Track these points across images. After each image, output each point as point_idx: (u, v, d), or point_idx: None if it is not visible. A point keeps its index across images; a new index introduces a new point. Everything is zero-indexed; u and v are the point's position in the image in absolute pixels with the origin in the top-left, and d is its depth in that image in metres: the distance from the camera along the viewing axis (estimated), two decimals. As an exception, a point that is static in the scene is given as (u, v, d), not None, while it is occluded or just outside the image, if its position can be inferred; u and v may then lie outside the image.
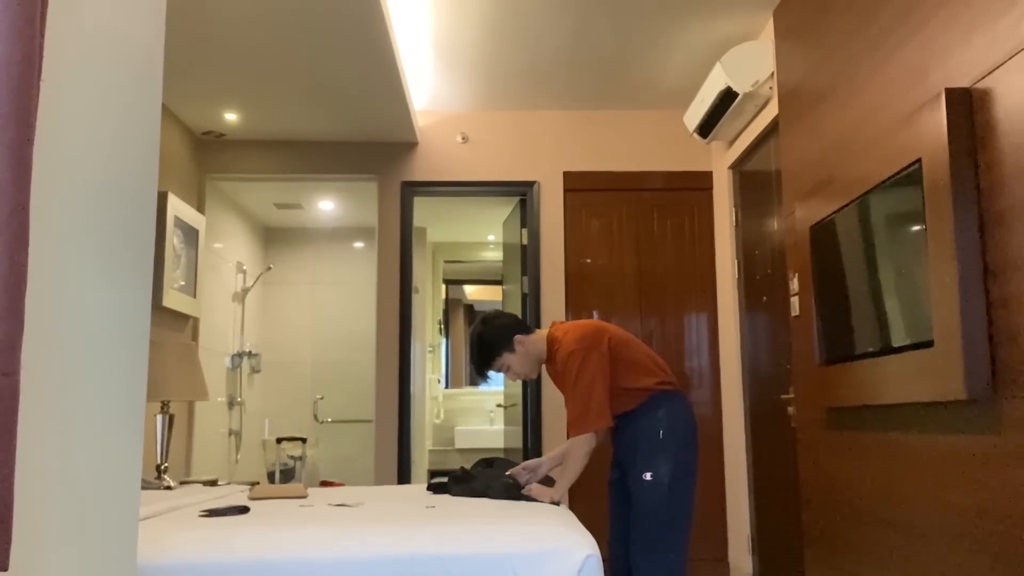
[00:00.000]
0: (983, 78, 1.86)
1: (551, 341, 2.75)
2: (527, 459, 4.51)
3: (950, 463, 1.99)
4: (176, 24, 3.23)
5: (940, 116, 1.93)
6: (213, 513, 2.23)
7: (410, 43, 3.83)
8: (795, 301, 2.94)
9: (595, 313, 4.56)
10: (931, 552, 2.07)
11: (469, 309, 7.00)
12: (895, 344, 2.18)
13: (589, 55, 3.98)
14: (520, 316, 4.71)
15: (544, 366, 2.85)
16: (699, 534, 4.37)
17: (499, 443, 6.15)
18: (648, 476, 2.60)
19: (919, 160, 2.03)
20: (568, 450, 2.64)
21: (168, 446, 3.38)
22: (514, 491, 2.62)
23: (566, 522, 2.10)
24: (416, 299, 5.05)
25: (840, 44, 2.63)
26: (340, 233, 6.13)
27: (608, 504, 2.84)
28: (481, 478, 2.73)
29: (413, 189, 4.66)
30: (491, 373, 2.91)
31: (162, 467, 3.32)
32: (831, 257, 2.59)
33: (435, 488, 2.80)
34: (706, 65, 4.08)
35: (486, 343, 2.76)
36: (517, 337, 2.76)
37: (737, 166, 4.28)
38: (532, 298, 4.56)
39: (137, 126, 1.19)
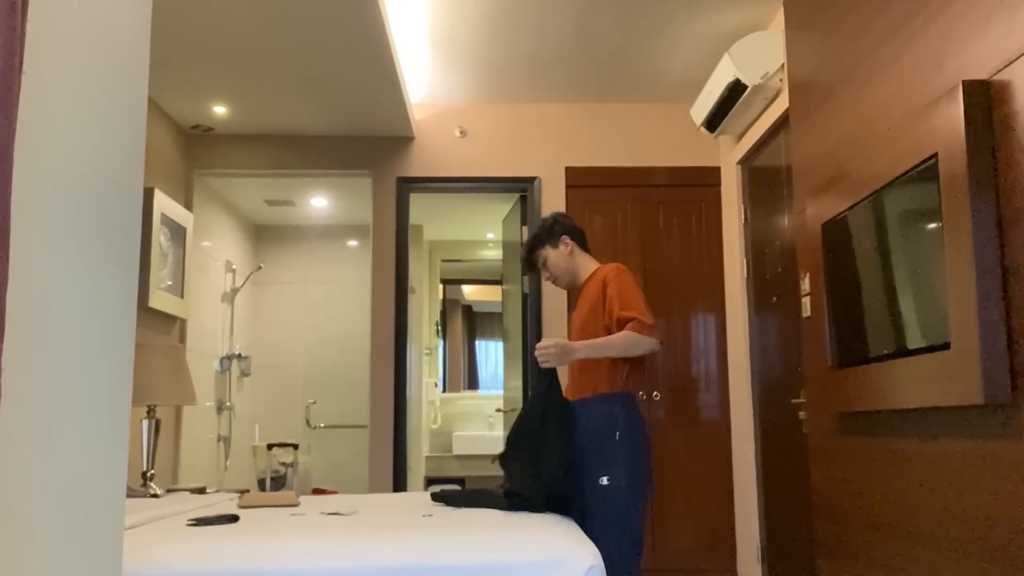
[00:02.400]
0: (1002, 70, 1.86)
1: (598, 269, 2.90)
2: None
3: (967, 470, 1.99)
4: (163, 14, 3.23)
5: (957, 109, 1.93)
6: (201, 522, 2.23)
7: (406, 33, 3.83)
8: (806, 302, 2.94)
9: (598, 314, 4.56)
10: (946, 562, 2.07)
11: (467, 310, 7.00)
12: (910, 346, 2.18)
13: (592, 45, 3.98)
14: (520, 318, 4.72)
15: (579, 294, 2.95)
16: (707, 544, 4.37)
17: (498, 449, 6.14)
18: (604, 480, 2.60)
19: (935, 155, 2.03)
20: (628, 336, 2.62)
21: (154, 452, 3.38)
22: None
23: (567, 532, 2.10)
24: (412, 299, 5.05)
25: (853, 34, 2.63)
26: (333, 231, 6.13)
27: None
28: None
29: (409, 185, 4.66)
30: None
31: (148, 474, 3.32)
32: (844, 256, 2.59)
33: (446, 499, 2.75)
34: (714, 56, 4.08)
35: (541, 230, 2.97)
36: (565, 238, 2.95)
37: (746, 161, 4.28)
38: (533, 298, 4.56)
39: (122, 120, 1.19)
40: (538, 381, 2.68)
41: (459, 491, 2.77)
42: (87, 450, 1.07)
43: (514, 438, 2.66)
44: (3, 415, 0.87)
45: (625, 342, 2.62)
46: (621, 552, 2.56)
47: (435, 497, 2.75)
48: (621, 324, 2.66)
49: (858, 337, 2.49)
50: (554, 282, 2.99)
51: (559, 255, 2.93)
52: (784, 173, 3.70)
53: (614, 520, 2.58)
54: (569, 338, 2.98)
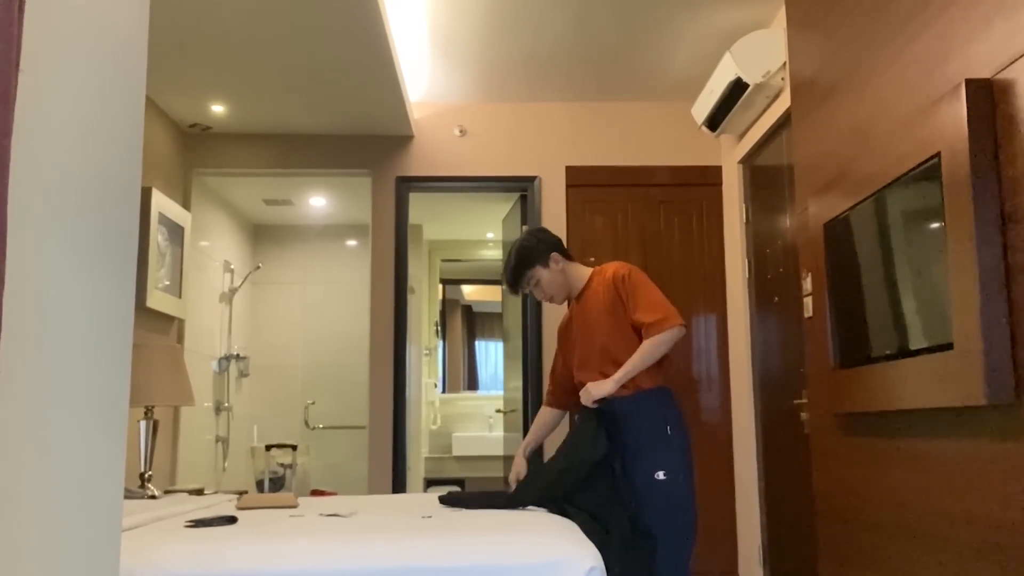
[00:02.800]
0: (1005, 68, 1.86)
1: (597, 271, 2.87)
2: (529, 467, 4.51)
3: (970, 472, 1.99)
4: (161, 11, 3.23)
5: (960, 108, 1.93)
6: (199, 524, 2.22)
7: (405, 31, 3.83)
8: (808, 302, 2.94)
9: (599, 314, 4.56)
10: (950, 563, 2.07)
11: (467, 310, 7.00)
12: (913, 347, 2.18)
13: (593, 44, 3.98)
14: (521, 318, 4.71)
15: (571, 305, 2.93)
16: (708, 545, 4.37)
17: (498, 450, 6.15)
18: (661, 475, 2.61)
19: (938, 154, 2.03)
20: (652, 342, 2.65)
21: (152, 454, 3.38)
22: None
23: (568, 533, 2.10)
24: (412, 300, 5.05)
25: (855, 33, 2.63)
26: (332, 230, 6.13)
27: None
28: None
29: (408, 184, 4.66)
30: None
31: (146, 475, 3.32)
32: (846, 256, 2.59)
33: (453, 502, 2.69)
34: (715, 55, 4.08)
35: (526, 251, 2.89)
36: (554, 255, 2.89)
37: (747, 160, 4.28)
38: (533, 298, 4.56)
39: (120, 118, 1.19)
40: (586, 425, 2.64)
41: (467, 493, 2.75)
42: (84, 451, 1.07)
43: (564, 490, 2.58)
44: (0, 416, 0.87)
45: (648, 353, 2.64)
46: (681, 543, 2.60)
47: (443, 500, 2.71)
48: (638, 331, 2.69)
49: (860, 337, 2.49)
50: (547, 300, 2.95)
51: (552, 274, 2.89)
52: (786, 172, 3.70)
53: (675, 513, 2.60)
54: (579, 347, 2.91)
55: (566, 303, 3.03)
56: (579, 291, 2.91)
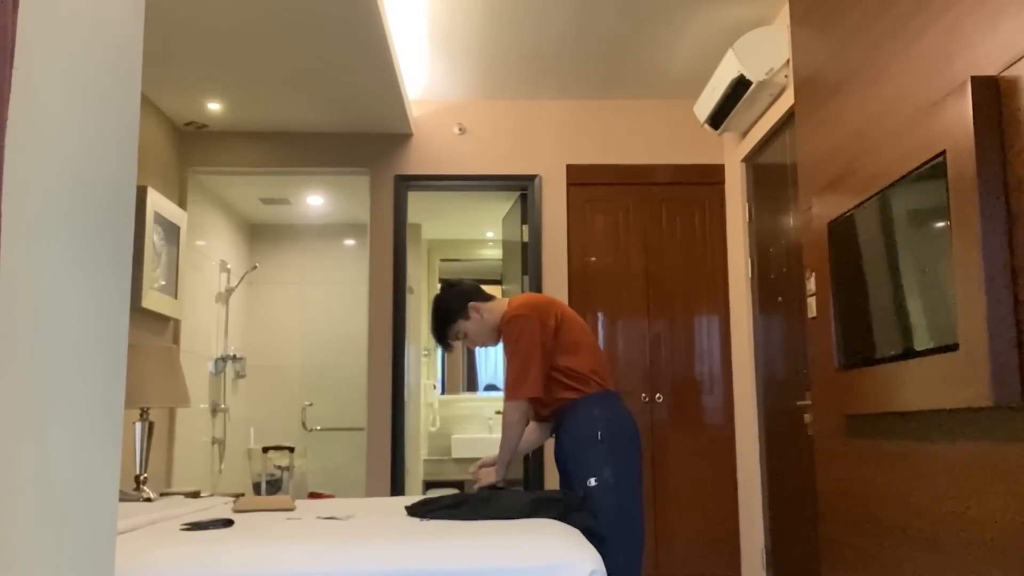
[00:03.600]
0: (1011, 65, 1.86)
1: (505, 311, 2.88)
2: (527, 470, 4.52)
3: (976, 474, 1.99)
4: (156, 8, 3.23)
5: (965, 106, 1.93)
6: (195, 527, 2.22)
7: (404, 28, 3.83)
8: (812, 302, 2.94)
9: (600, 315, 4.56)
10: (956, 567, 2.07)
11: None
12: (918, 348, 2.18)
13: (594, 41, 3.98)
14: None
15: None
16: (711, 548, 4.37)
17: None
18: (592, 482, 2.63)
19: (943, 152, 2.03)
20: (503, 432, 2.75)
21: (147, 456, 3.38)
22: (540, 504, 2.48)
23: (569, 537, 2.10)
24: (410, 300, 5.05)
25: (860, 29, 2.63)
26: (330, 230, 6.13)
27: None
28: (497, 499, 2.53)
29: (407, 183, 4.66)
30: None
31: (141, 478, 3.32)
32: (850, 255, 2.59)
33: (422, 512, 2.43)
34: (718, 52, 4.08)
35: (442, 309, 2.93)
36: (472, 304, 2.91)
37: (750, 159, 4.28)
38: (533, 299, 4.56)
39: (115, 116, 1.19)
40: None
41: (433, 500, 2.51)
42: (79, 453, 1.07)
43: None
44: (-7, 418, 0.87)
45: (509, 425, 2.74)
46: (621, 549, 2.57)
47: (410, 511, 2.44)
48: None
49: (865, 338, 2.49)
50: (481, 346, 3.00)
51: (475, 323, 2.91)
52: (789, 171, 3.70)
53: (611, 519, 2.58)
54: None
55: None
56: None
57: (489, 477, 2.80)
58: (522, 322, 2.75)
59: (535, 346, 2.73)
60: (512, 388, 2.72)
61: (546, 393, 2.77)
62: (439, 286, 3.02)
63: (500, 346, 2.93)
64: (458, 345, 2.98)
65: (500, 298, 3.05)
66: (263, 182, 5.11)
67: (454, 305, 2.91)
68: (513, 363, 2.74)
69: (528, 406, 2.76)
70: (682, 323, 4.56)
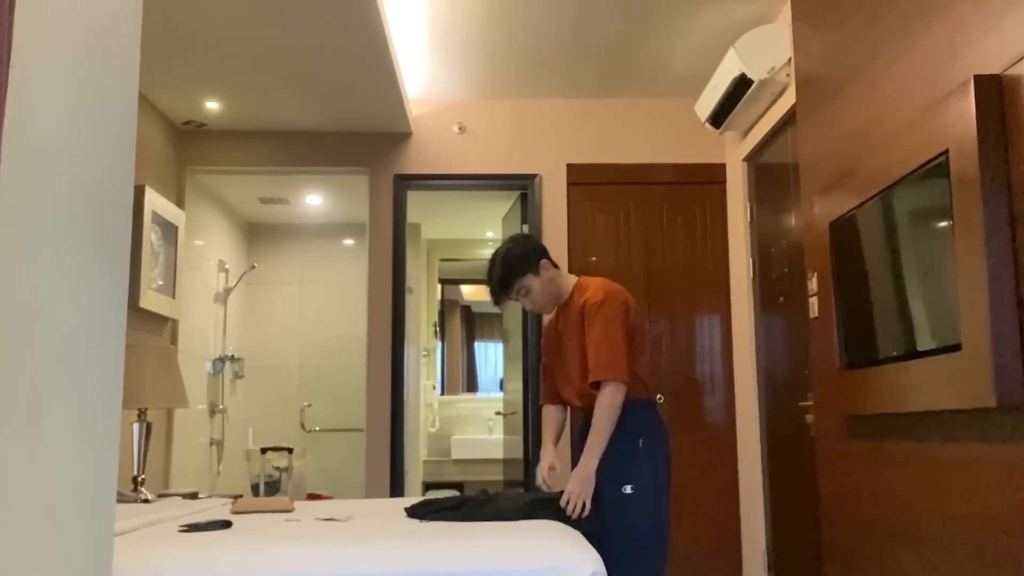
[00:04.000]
0: (1014, 64, 1.86)
1: (578, 286, 2.77)
2: (527, 471, 4.52)
3: (979, 475, 1.99)
4: (154, 6, 3.23)
5: (968, 105, 1.93)
6: (193, 528, 2.22)
7: (403, 27, 3.83)
8: (814, 302, 2.94)
9: (600, 315, 4.55)
10: (959, 569, 2.07)
11: (466, 311, 7.00)
12: (920, 348, 2.18)
13: (594, 39, 3.98)
14: (520, 319, 4.71)
15: (556, 313, 2.85)
16: (712, 550, 4.37)
17: (498, 453, 6.15)
18: (628, 489, 2.58)
19: (946, 152, 2.03)
20: (599, 404, 2.57)
21: (145, 457, 3.38)
22: (539, 505, 2.51)
23: (569, 538, 2.10)
24: (410, 300, 5.05)
25: (862, 28, 2.63)
26: (329, 229, 6.13)
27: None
28: (496, 501, 2.55)
29: (406, 183, 4.66)
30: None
31: (139, 479, 3.32)
32: (852, 255, 2.58)
33: (422, 513, 2.46)
34: (719, 50, 4.08)
35: (515, 258, 2.75)
36: (545, 262, 2.78)
37: (752, 158, 4.28)
38: (533, 299, 4.56)
39: (112, 115, 1.19)
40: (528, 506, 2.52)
41: (432, 503, 2.53)
42: (76, 454, 1.07)
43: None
44: (-10, 418, 0.87)
45: (607, 419, 2.56)
46: (647, 561, 2.56)
47: (410, 513, 2.48)
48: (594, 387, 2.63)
49: (867, 338, 2.49)
50: (535, 310, 2.84)
51: (543, 282, 2.76)
52: (791, 170, 3.70)
53: (641, 529, 2.57)
54: (566, 360, 2.82)
55: None
56: (563, 301, 2.83)
57: (586, 485, 2.55)
58: (617, 306, 2.65)
59: (623, 330, 2.62)
60: (607, 369, 2.57)
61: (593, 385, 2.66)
62: (506, 239, 2.86)
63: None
64: (510, 304, 2.81)
65: (566, 272, 2.94)
66: (262, 181, 5.10)
67: (529, 258, 2.75)
68: (603, 344, 2.59)
69: (620, 388, 2.59)
70: (683, 323, 4.56)
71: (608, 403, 2.57)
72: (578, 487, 2.55)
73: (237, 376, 5.72)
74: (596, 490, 2.60)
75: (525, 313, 4.63)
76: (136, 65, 1.27)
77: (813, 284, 2.95)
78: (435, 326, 6.83)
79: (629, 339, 2.67)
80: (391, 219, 4.60)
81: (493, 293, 2.80)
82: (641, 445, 2.63)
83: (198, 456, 4.95)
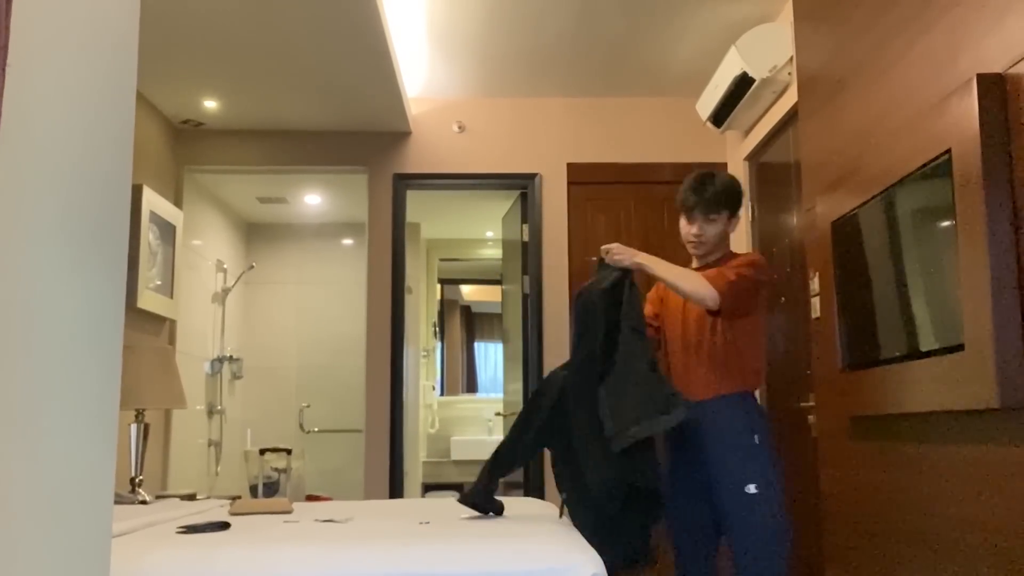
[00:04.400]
0: (1017, 63, 1.86)
1: (729, 254, 2.79)
2: (527, 474, 4.51)
3: (983, 476, 1.99)
4: (152, 4, 3.23)
5: (971, 103, 1.93)
6: (192, 529, 2.22)
7: (403, 24, 3.83)
8: (816, 302, 2.94)
9: (601, 315, 4.55)
10: (961, 570, 2.07)
11: (466, 311, 7.00)
12: (923, 348, 2.18)
13: (595, 38, 3.98)
14: (521, 319, 4.71)
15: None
16: (713, 552, 4.37)
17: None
18: (752, 488, 2.54)
19: (949, 151, 2.03)
20: (695, 277, 2.59)
21: (143, 458, 3.38)
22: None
23: (569, 539, 2.10)
24: (409, 300, 5.04)
25: (864, 26, 2.63)
26: (327, 229, 6.13)
27: (677, 520, 2.74)
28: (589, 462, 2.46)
29: (406, 182, 4.66)
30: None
31: (137, 480, 3.32)
32: (854, 255, 2.58)
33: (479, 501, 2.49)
34: (720, 49, 4.08)
35: (731, 190, 2.76)
36: (739, 216, 2.81)
37: (753, 157, 4.28)
38: (533, 299, 4.56)
39: (110, 114, 1.19)
40: (610, 288, 2.59)
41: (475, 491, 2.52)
42: (73, 455, 1.07)
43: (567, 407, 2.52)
44: (-13, 419, 0.87)
45: (687, 277, 2.57)
46: (775, 560, 2.55)
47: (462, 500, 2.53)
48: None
49: (869, 339, 2.49)
50: (697, 248, 2.80)
51: (725, 231, 2.79)
52: (793, 169, 3.70)
53: (769, 529, 2.56)
54: (673, 339, 2.84)
55: None
56: (704, 265, 2.80)
57: (631, 252, 2.61)
58: (760, 273, 2.65)
59: (756, 296, 2.65)
60: (716, 279, 2.56)
61: (708, 366, 2.67)
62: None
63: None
64: (703, 225, 2.74)
65: None
66: (260, 181, 5.10)
67: (738, 202, 2.78)
68: (734, 277, 2.58)
69: (713, 298, 2.55)
70: (684, 323, 4.55)
71: (697, 279, 2.58)
72: (630, 252, 2.62)
73: (235, 377, 5.71)
74: (714, 488, 2.59)
75: (525, 313, 4.63)
76: (134, 64, 1.27)
77: (815, 284, 2.95)
78: (435, 326, 6.83)
79: (757, 321, 2.71)
80: (390, 219, 4.60)
81: (692, 203, 2.75)
82: (757, 442, 2.59)
83: (196, 457, 4.95)
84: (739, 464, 2.57)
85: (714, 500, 2.63)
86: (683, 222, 2.80)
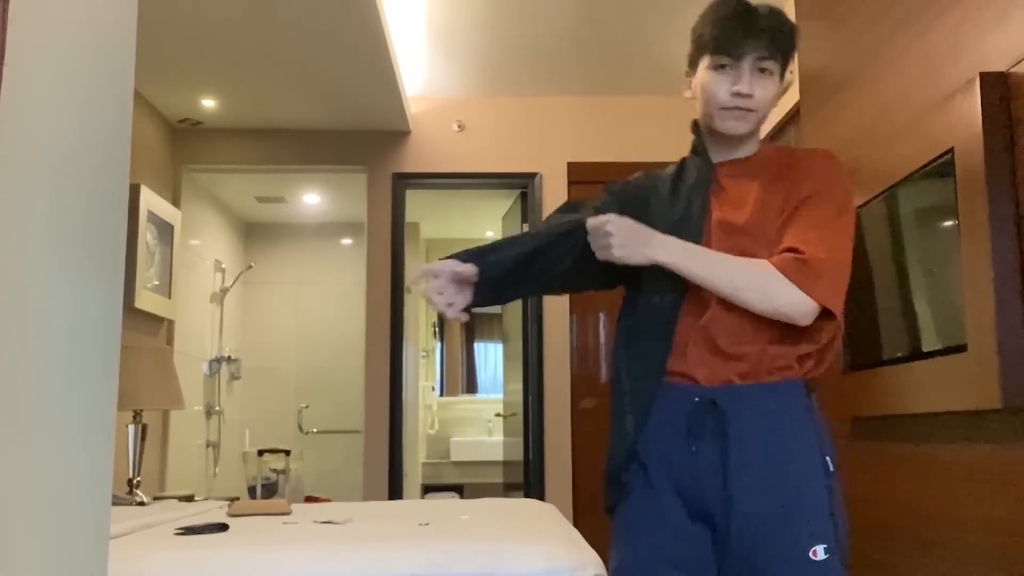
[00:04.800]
0: (1020, 61, 1.86)
1: (778, 148, 1.75)
2: (527, 473, 4.52)
3: (985, 477, 1.99)
4: (150, 3, 3.23)
5: (974, 102, 1.93)
6: (190, 531, 2.22)
7: (402, 22, 3.83)
8: (817, 302, 2.94)
9: (601, 315, 4.56)
10: (963, 572, 2.07)
11: (465, 311, 6.99)
12: (925, 349, 2.18)
13: (596, 36, 3.98)
14: (521, 319, 4.71)
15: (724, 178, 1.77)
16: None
17: (498, 455, 6.16)
18: (822, 552, 1.50)
19: (951, 150, 2.03)
20: (763, 269, 1.52)
21: (141, 459, 3.38)
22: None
23: (570, 540, 2.10)
24: (409, 300, 5.05)
25: (866, 25, 2.63)
26: (326, 229, 6.13)
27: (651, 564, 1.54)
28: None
29: (405, 181, 4.66)
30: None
31: (134, 481, 3.32)
32: (857, 255, 2.59)
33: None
34: (721, 47, 4.08)
35: (796, 36, 1.62)
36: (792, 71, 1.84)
37: (755, 156, 4.28)
38: (533, 299, 4.56)
39: (107, 113, 1.19)
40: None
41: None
42: (71, 457, 1.07)
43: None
44: (-17, 420, 0.87)
45: (749, 275, 1.52)
46: None
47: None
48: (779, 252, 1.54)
49: (871, 339, 2.49)
50: (734, 117, 1.67)
51: (779, 93, 1.66)
52: (794, 169, 3.69)
53: None
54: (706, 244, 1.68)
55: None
56: (742, 157, 1.77)
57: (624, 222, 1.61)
58: (847, 198, 1.62)
59: (850, 243, 1.62)
60: (815, 280, 1.52)
61: (749, 335, 1.55)
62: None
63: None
64: (754, 79, 1.61)
65: None
66: (258, 180, 5.10)
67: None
68: (826, 242, 1.57)
69: (806, 312, 1.51)
70: (685, 324, 4.55)
71: (763, 275, 1.51)
72: (640, 238, 1.62)
73: (234, 377, 5.71)
74: (760, 541, 1.49)
75: (525, 313, 4.63)
76: (131, 62, 1.27)
77: (817, 284, 2.95)
78: (434, 326, 6.83)
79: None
80: (390, 218, 4.60)
81: (738, 39, 1.64)
82: (831, 468, 1.56)
83: (194, 458, 4.95)
84: (806, 507, 1.51)
85: (734, 560, 1.52)
86: (710, 76, 1.69)
